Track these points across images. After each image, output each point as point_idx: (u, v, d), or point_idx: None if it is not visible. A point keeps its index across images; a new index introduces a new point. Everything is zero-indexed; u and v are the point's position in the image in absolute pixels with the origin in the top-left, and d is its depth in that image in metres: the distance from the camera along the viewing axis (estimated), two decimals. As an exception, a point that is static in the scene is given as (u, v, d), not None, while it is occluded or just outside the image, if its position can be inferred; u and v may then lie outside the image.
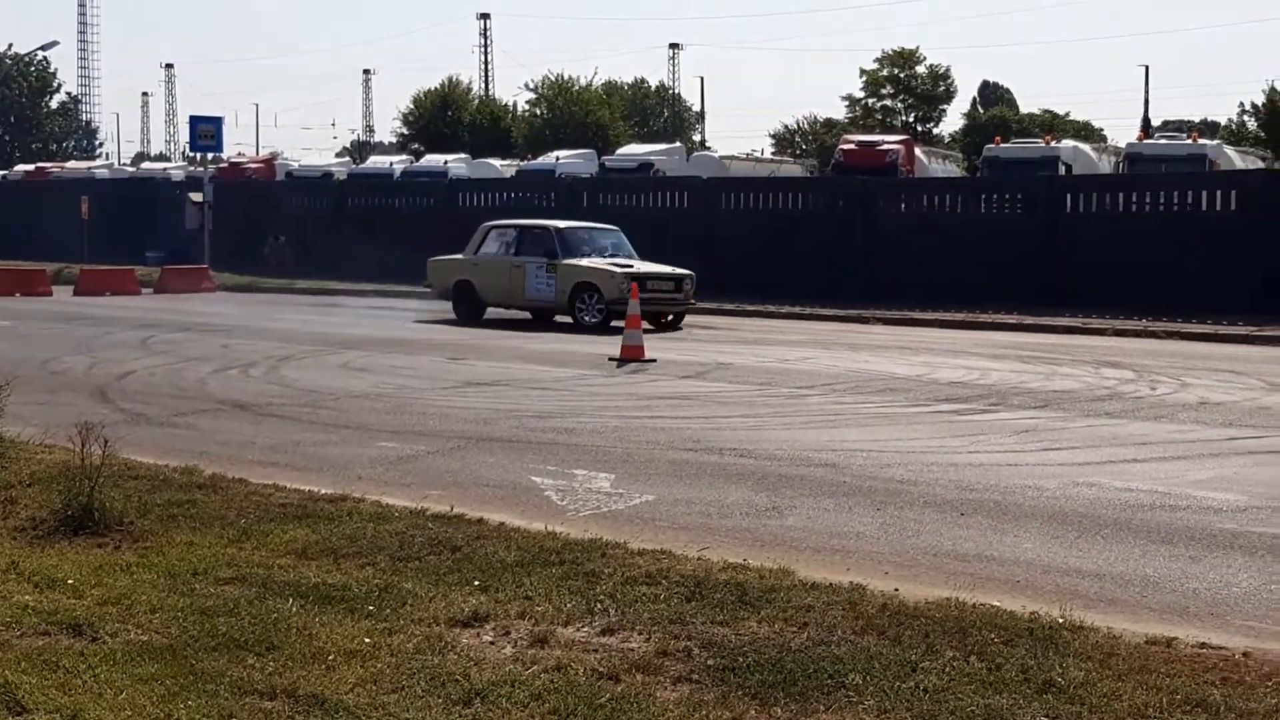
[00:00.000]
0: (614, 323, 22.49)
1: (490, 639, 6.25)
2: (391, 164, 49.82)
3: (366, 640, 6.12)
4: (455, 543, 7.84)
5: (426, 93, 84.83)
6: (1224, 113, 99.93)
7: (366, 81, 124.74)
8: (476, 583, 7.03)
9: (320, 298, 31.66)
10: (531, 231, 25.36)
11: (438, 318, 24.95)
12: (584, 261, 24.13)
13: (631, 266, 23.93)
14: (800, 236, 30.37)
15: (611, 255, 24.64)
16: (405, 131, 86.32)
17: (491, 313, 25.24)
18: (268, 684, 5.56)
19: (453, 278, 25.61)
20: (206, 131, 36.85)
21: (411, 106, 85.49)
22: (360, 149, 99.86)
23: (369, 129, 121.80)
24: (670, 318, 24.49)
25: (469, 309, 25.11)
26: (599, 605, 6.63)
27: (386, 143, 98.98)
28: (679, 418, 13.28)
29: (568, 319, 24.03)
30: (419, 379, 16.20)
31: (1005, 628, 6.34)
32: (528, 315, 25.06)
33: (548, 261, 24.12)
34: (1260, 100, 69.78)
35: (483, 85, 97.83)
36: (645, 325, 22.31)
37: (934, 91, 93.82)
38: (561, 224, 25.81)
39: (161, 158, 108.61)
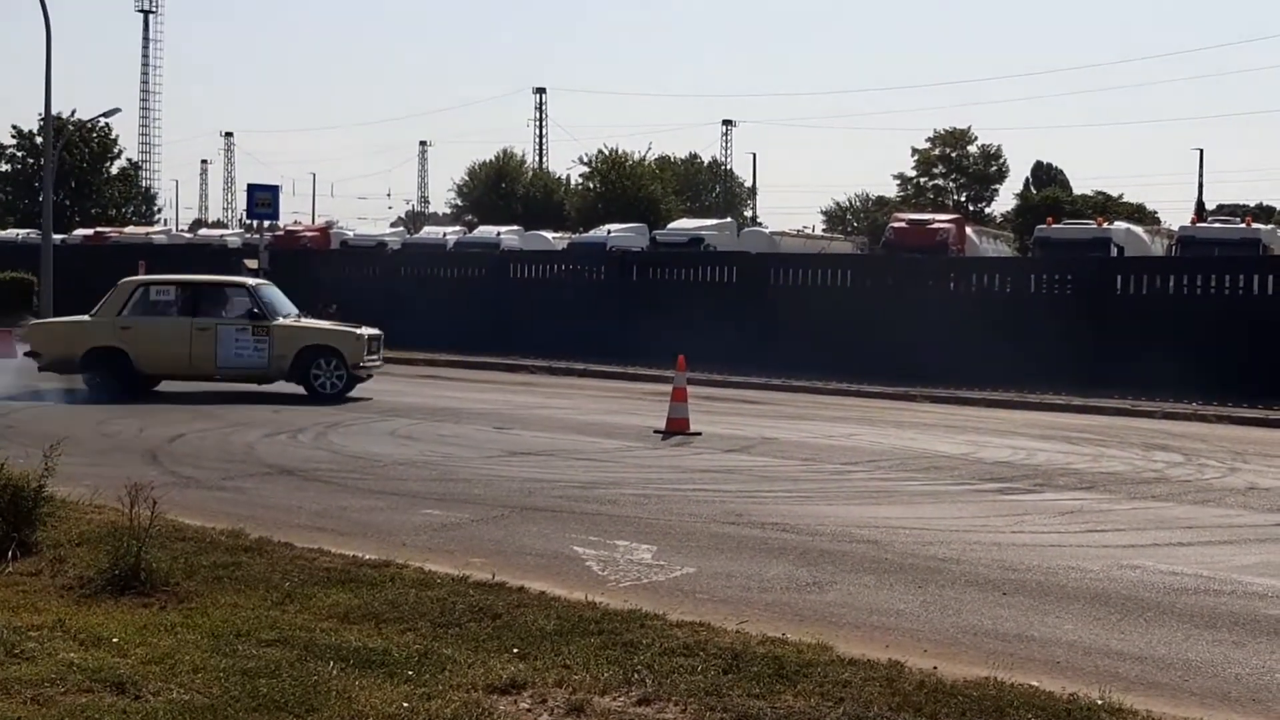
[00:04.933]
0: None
1: (527, 706, 6.29)
2: (445, 234, 50.34)
3: (405, 705, 6.18)
4: (496, 610, 7.89)
5: (481, 164, 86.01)
6: None
7: (423, 153, 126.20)
8: (515, 650, 7.08)
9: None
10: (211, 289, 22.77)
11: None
12: (306, 323, 22.42)
13: (361, 328, 22.35)
14: (850, 313, 30.37)
15: (293, 313, 22.60)
16: (459, 202, 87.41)
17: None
18: (306, 745, 5.62)
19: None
20: (264, 199, 37.35)
21: (466, 178, 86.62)
22: (415, 219, 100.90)
23: (424, 199, 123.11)
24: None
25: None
26: (636, 675, 6.66)
27: (440, 213, 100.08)
28: (722, 491, 13.31)
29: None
30: (465, 447, 16.31)
31: (1044, 708, 6.34)
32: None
33: (253, 324, 21.73)
34: (1315, 185, 69.85)
35: (536, 158, 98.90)
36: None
37: (985, 171, 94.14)
38: (251, 281, 23.22)
39: (219, 224, 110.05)
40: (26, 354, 23.36)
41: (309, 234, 54.07)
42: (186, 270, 44.77)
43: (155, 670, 6.60)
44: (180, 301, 22.42)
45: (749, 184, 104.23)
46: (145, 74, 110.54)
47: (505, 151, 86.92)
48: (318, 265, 43.07)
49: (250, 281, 23.17)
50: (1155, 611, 8.64)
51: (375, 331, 22.95)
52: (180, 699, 6.22)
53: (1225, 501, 13.45)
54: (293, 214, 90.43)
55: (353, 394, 22.24)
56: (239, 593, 8.24)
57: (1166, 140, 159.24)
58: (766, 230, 52.66)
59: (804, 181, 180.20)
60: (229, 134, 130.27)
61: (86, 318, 22.68)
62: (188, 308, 22.18)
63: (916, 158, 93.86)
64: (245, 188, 40.30)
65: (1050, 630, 8.18)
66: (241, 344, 21.75)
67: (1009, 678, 6.86)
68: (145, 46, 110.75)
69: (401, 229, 67.70)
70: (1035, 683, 6.82)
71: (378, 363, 23.00)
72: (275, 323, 21.79)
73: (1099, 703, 6.44)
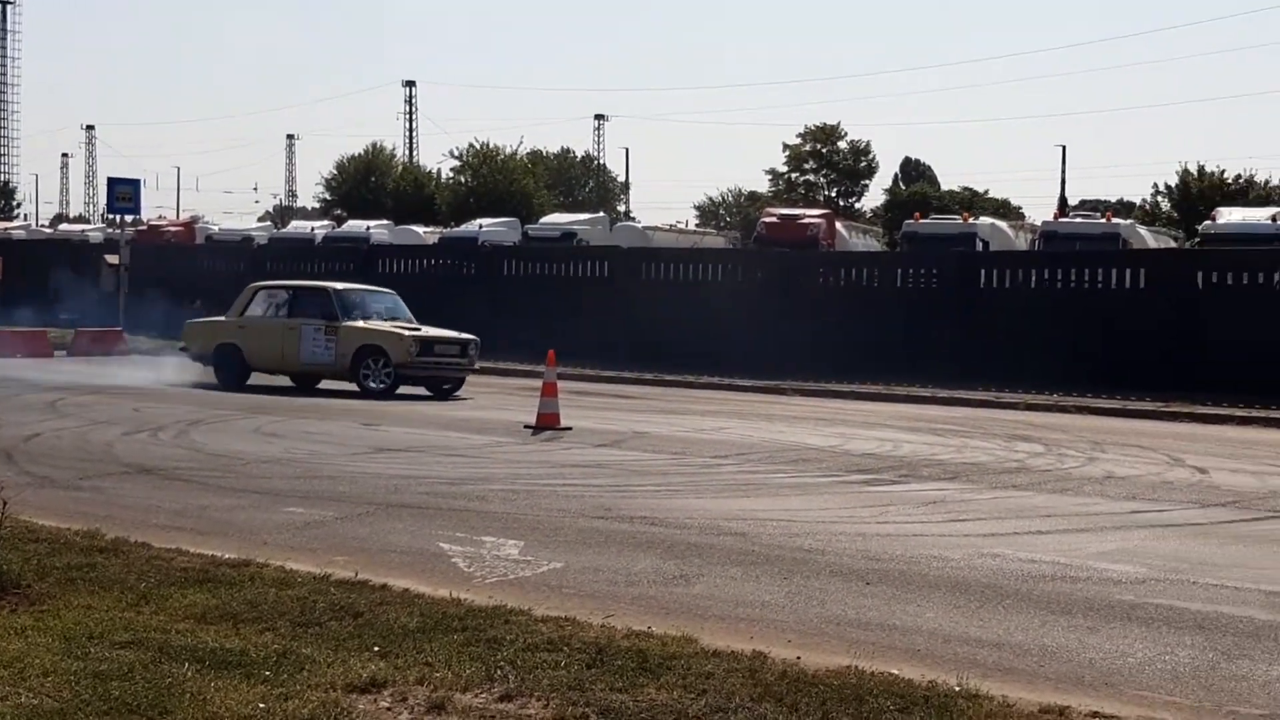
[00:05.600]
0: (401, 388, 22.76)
1: (387, 705, 6.21)
2: (313, 229, 49.74)
3: (261, 705, 6.06)
4: (358, 609, 7.79)
5: (350, 158, 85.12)
6: (1139, 193, 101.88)
7: (290, 146, 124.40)
8: (376, 649, 6.98)
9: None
10: (299, 292, 24.63)
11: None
12: (369, 324, 23.48)
13: (420, 330, 23.41)
14: (721, 307, 30.55)
15: (391, 318, 23.95)
16: (328, 196, 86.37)
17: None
18: (157, 749, 5.49)
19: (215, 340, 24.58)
20: (124, 194, 36.57)
21: (335, 172, 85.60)
22: (283, 214, 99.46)
23: (292, 194, 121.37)
24: (448, 385, 23.76)
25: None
26: (499, 672, 6.61)
27: (309, 207, 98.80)
28: (591, 485, 13.30)
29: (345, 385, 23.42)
30: (331, 444, 16.11)
31: (902, 695, 6.40)
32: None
33: (326, 324, 23.43)
34: (1174, 181, 71.63)
35: (407, 152, 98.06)
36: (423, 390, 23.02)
37: (855, 167, 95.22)
38: (339, 285, 25.03)
39: (81, 220, 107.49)
40: (181, 348, 25.74)
41: (173, 229, 53.15)
42: (46, 266, 43.85)
43: (3, 674, 6.39)
44: (282, 303, 24.34)
45: (622, 179, 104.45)
46: (3, 66, 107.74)
47: (375, 145, 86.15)
48: (181, 260, 42.38)
49: (336, 285, 24.80)
50: (1014, 599, 8.78)
51: (446, 334, 23.78)
52: (29, 703, 6.04)
53: (1083, 490, 13.75)
54: (156, 208, 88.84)
55: (464, 398, 22.84)
56: (93, 594, 8.03)
57: (1031, 137, 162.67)
58: (639, 225, 52.69)
59: (677, 176, 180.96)
60: (90, 127, 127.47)
61: (222, 317, 24.95)
62: (286, 309, 24.15)
63: (788, 153, 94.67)
64: (106, 182, 39.43)
65: (912, 619, 8.27)
66: (316, 342, 23.40)
67: (870, 666, 6.92)
68: (3, 38, 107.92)
69: (269, 223, 66.64)
70: (896, 670, 6.89)
71: (455, 365, 23.65)
72: (342, 323, 23.20)
73: (956, 689, 6.52)
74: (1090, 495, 13.40)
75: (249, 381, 24.15)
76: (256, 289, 25.16)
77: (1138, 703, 6.64)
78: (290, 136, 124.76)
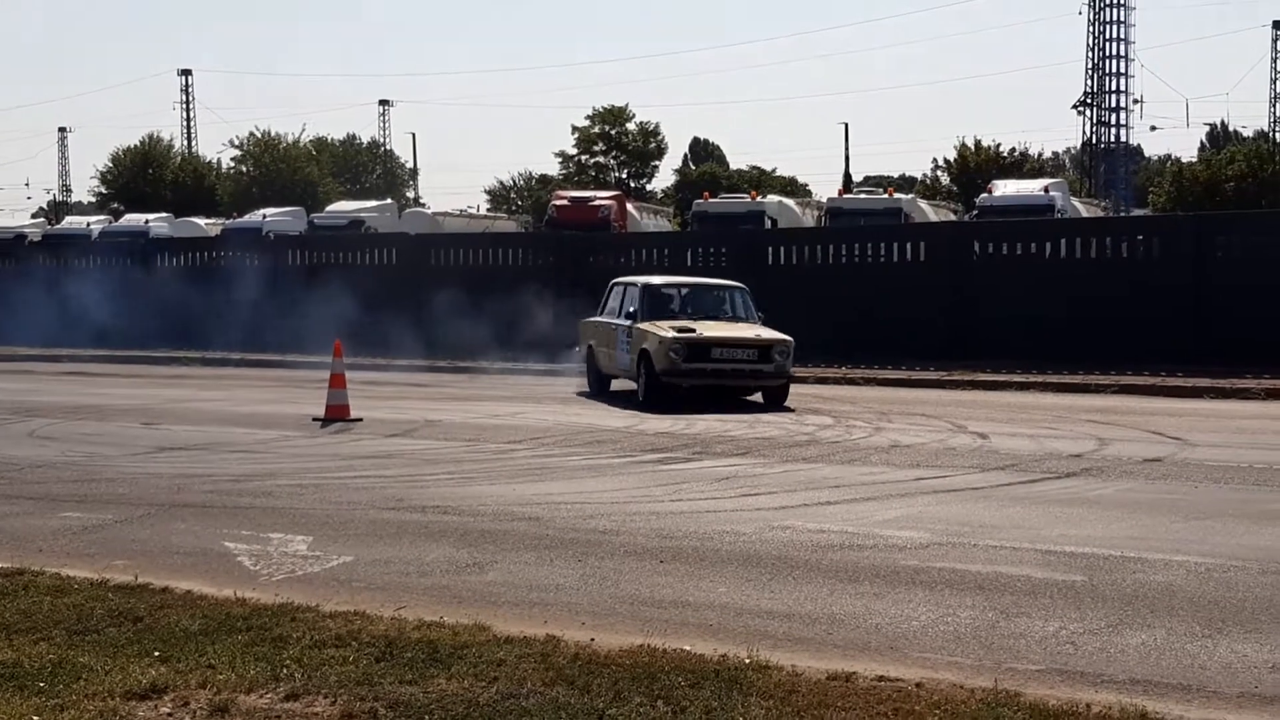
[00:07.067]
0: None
1: (168, 710, 6.02)
2: (89, 224, 48.27)
3: (35, 718, 5.83)
4: (137, 613, 7.54)
5: (126, 150, 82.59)
6: (920, 168, 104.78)
7: (63, 139, 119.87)
8: (157, 653, 6.77)
9: (6, 364, 30.18)
10: (630, 288, 21.67)
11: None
12: (658, 324, 20.26)
13: (694, 330, 19.88)
14: (513, 292, 30.41)
15: (709, 317, 20.84)
16: (104, 190, 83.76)
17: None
18: (-81, 773, 5.23)
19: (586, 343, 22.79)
20: (-119, 192, 34.95)
21: (110, 165, 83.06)
22: (57, 209, 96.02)
23: (66, 189, 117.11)
24: (758, 393, 20.11)
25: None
26: (285, 671, 6.46)
27: (85, 202, 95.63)
28: (383, 476, 13.10)
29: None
30: (110, 446, 15.58)
31: (694, 671, 6.43)
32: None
33: (629, 324, 20.74)
34: (952, 156, 73.66)
35: (185, 142, 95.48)
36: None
37: (645, 148, 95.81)
38: (656, 279, 22.56)
39: None
40: (575, 349, 23.91)
41: (-62, 228, 50.97)
42: None
43: None
44: (619, 300, 21.83)
45: (410, 165, 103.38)
46: None
47: (151, 136, 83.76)
48: (-52, 260, 40.61)
49: (651, 280, 22.16)
50: (803, 569, 8.91)
51: (734, 335, 20.06)
52: None
53: (870, 460, 14.04)
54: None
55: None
56: None
57: (816, 115, 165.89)
58: (429, 211, 52.32)
59: (466, 161, 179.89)
60: None
61: (599, 317, 22.57)
62: (618, 307, 21.69)
63: (577, 136, 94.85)
64: None
65: (705, 594, 8.33)
66: (623, 345, 20.95)
67: (663, 644, 6.95)
68: None
69: (42, 220, 64.35)
70: (689, 646, 6.92)
71: (748, 371, 19.83)
72: (637, 324, 20.43)
73: (747, 661, 6.58)
74: (877, 464, 13.69)
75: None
76: (613, 285, 22.46)
77: (921, 664, 6.78)
78: (62, 129, 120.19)
